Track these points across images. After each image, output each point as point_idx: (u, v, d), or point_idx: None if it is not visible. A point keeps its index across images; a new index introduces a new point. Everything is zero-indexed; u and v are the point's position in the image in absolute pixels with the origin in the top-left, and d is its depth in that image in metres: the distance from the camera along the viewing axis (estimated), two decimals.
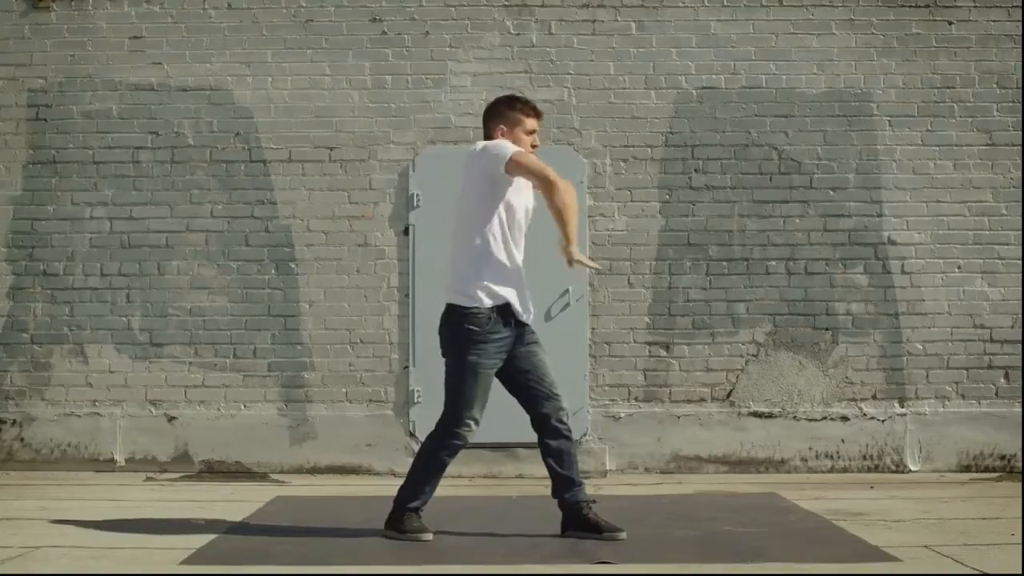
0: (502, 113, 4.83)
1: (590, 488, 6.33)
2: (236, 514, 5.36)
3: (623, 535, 4.69)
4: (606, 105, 7.09)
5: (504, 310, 4.66)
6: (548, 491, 6.27)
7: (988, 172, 7.09)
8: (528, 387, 4.75)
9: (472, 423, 4.69)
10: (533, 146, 4.82)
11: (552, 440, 4.75)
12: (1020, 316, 7.01)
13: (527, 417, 6.48)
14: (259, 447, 6.91)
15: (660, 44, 7.12)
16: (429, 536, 4.70)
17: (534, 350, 4.77)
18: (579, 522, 4.75)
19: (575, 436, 6.68)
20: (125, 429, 6.94)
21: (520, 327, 4.74)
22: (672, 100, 7.10)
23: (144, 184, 7.07)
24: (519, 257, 4.76)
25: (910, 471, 6.90)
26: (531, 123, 4.81)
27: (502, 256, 4.66)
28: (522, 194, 4.77)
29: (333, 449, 6.91)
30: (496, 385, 4.81)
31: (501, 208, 4.67)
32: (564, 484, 4.77)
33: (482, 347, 4.64)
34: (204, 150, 7.08)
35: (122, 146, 7.09)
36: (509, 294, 4.66)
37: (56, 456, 6.92)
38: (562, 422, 4.76)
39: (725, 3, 7.15)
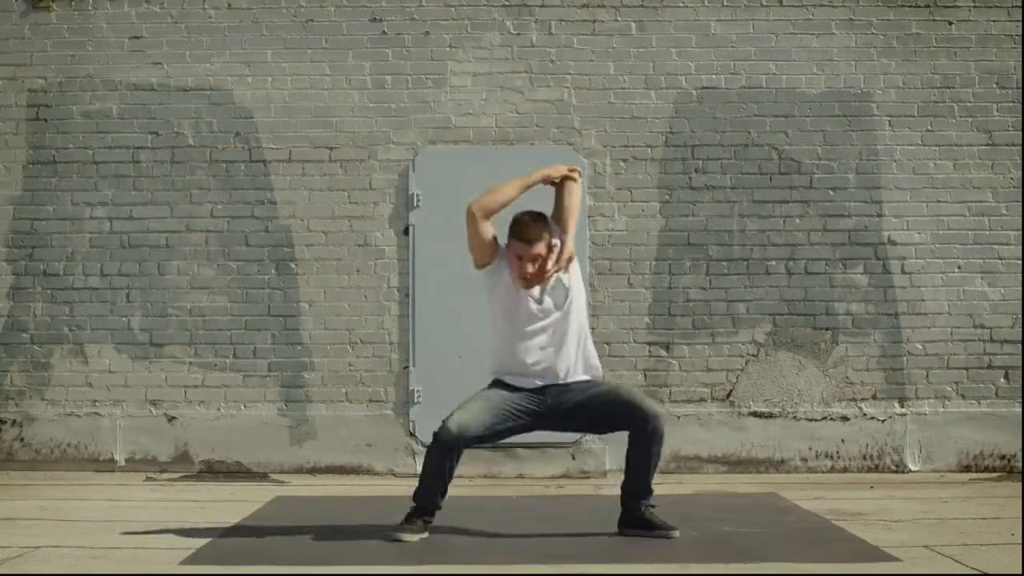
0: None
1: (591, 488, 6.36)
2: (236, 514, 5.36)
3: (676, 533, 4.74)
4: (606, 105, 7.09)
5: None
6: (548, 491, 6.29)
7: (988, 172, 7.09)
8: (611, 421, 4.84)
9: (451, 425, 4.64)
10: (526, 273, 4.70)
11: (639, 448, 4.77)
12: (1020, 316, 7.01)
13: None
14: (259, 447, 6.91)
15: (660, 44, 7.12)
16: (412, 539, 4.68)
17: (597, 394, 4.78)
18: (636, 521, 4.82)
19: (575, 436, 6.76)
20: (125, 429, 6.94)
21: (547, 392, 4.76)
22: (672, 100, 7.10)
23: (144, 184, 7.07)
24: (534, 342, 4.75)
25: (910, 471, 6.90)
26: (517, 247, 4.69)
27: (503, 345, 4.80)
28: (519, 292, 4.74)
29: (333, 449, 6.91)
30: None
31: (498, 301, 4.81)
32: (634, 492, 4.85)
33: (497, 388, 4.82)
34: (204, 150, 7.08)
35: (122, 146, 7.09)
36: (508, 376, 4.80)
37: (56, 456, 6.92)
38: (655, 431, 4.73)
39: (725, 3, 7.15)
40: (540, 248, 4.67)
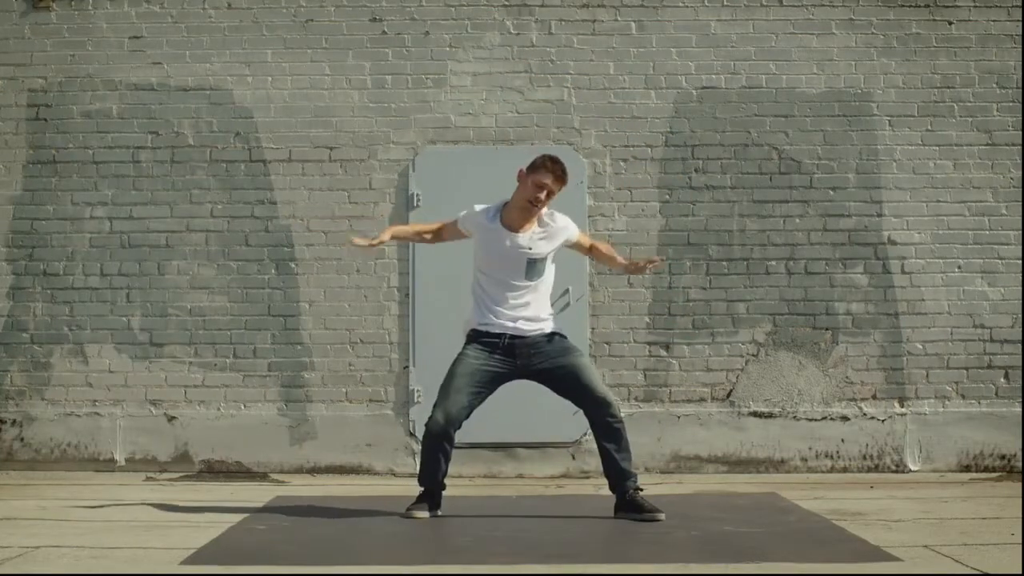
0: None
1: (591, 488, 6.36)
2: (236, 514, 5.35)
3: (662, 516, 5.09)
4: (606, 105, 7.09)
5: (481, 333, 5.22)
6: (548, 491, 6.30)
7: (988, 172, 7.10)
8: (573, 398, 5.25)
9: (439, 417, 5.11)
10: (538, 200, 5.18)
11: (603, 441, 5.19)
12: (1020, 316, 7.01)
13: (526, 417, 6.60)
14: (259, 447, 6.91)
15: (660, 44, 7.12)
16: (424, 515, 5.18)
17: (563, 364, 5.18)
18: (625, 504, 5.20)
19: (575, 436, 6.79)
20: (125, 429, 6.94)
21: (516, 353, 5.17)
22: (672, 100, 7.10)
23: (144, 184, 7.07)
24: (504, 291, 5.21)
25: (910, 471, 6.90)
26: (545, 178, 5.16)
27: (478, 293, 5.29)
28: (492, 242, 5.24)
29: (333, 449, 6.91)
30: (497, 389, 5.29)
31: (476, 256, 5.36)
32: (616, 478, 5.22)
33: (463, 352, 5.24)
34: (204, 150, 7.08)
35: (122, 146, 7.09)
36: (475, 322, 5.25)
37: (56, 456, 6.92)
38: (612, 416, 5.17)
39: (725, 3, 7.15)
40: (556, 190, 5.23)
